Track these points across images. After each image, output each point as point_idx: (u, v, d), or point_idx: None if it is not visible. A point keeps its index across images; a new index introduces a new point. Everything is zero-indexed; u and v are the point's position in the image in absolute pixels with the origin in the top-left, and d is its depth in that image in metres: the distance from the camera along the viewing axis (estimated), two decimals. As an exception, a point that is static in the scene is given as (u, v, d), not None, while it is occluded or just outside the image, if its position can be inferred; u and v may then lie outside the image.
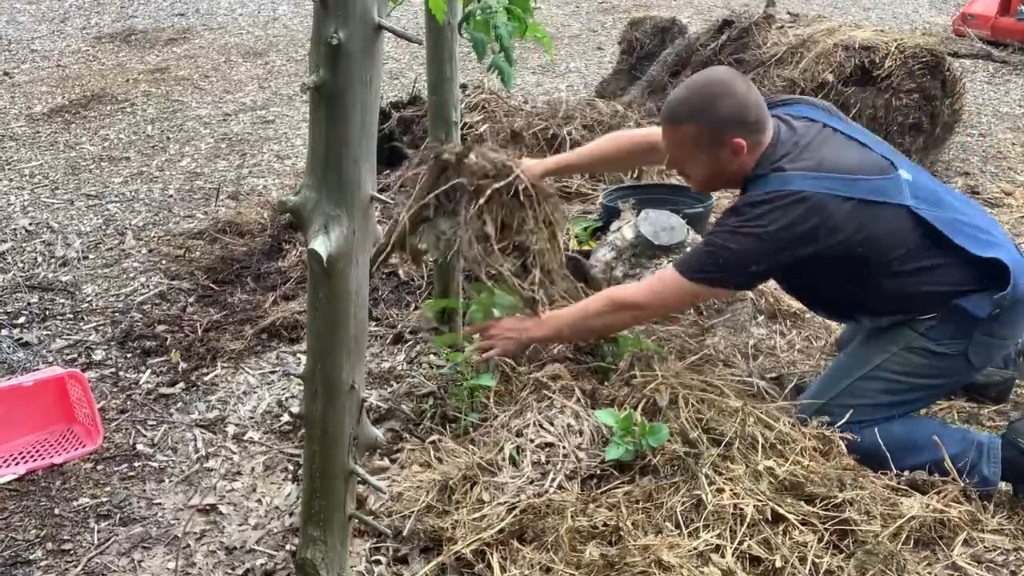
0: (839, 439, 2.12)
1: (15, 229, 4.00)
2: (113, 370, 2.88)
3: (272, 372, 2.83)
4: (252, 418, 2.60)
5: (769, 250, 2.09)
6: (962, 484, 2.07)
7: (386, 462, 2.26)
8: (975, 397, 2.53)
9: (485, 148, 2.32)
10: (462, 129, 3.62)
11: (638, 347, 2.38)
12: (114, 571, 2.04)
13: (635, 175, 3.84)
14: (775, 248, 2.08)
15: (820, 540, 1.86)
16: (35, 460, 2.44)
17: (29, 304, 3.33)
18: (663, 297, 2.23)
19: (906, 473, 2.11)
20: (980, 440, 2.17)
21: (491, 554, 1.87)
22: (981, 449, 2.15)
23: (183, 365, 2.88)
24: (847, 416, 2.18)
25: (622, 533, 1.87)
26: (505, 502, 1.98)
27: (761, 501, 1.91)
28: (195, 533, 2.14)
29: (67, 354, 2.99)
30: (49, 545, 2.13)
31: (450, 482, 2.07)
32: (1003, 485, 2.15)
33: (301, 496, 1.70)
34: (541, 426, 2.19)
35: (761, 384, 2.39)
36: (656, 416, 2.15)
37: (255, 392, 2.73)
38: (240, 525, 2.16)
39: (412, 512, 2.02)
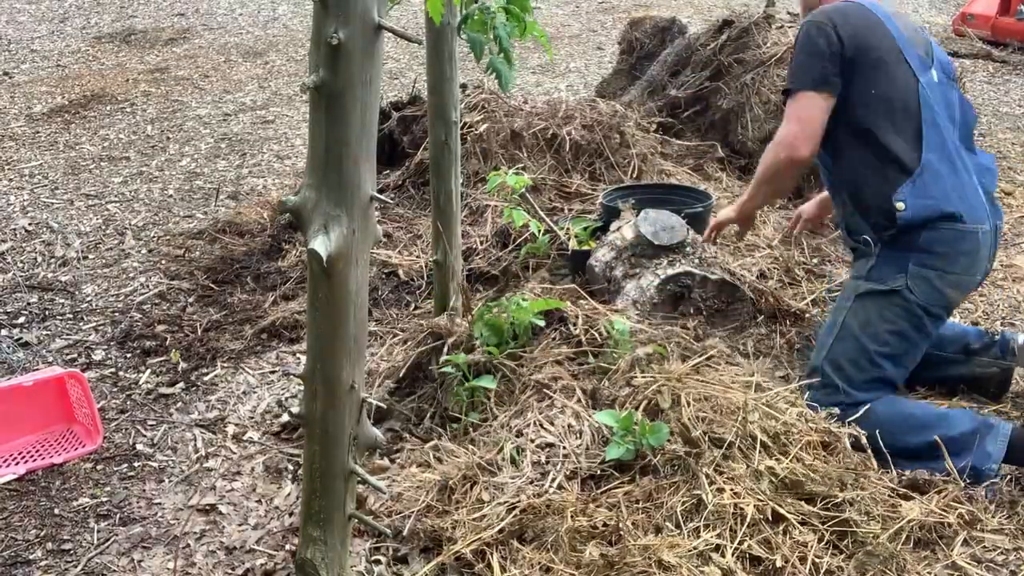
0: (844, 434, 2.12)
1: (15, 229, 4.00)
2: (113, 370, 2.88)
3: (272, 372, 2.83)
4: (252, 418, 2.60)
5: (824, 34, 2.32)
6: (962, 484, 2.08)
7: (386, 462, 2.26)
8: (976, 397, 2.53)
9: None
10: (462, 129, 3.63)
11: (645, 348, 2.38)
12: (114, 571, 2.04)
13: (635, 175, 3.85)
14: (827, 31, 2.32)
15: (820, 540, 1.86)
16: (35, 460, 2.44)
17: (29, 304, 3.33)
18: (799, 117, 2.35)
19: (907, 473, 2.11)
20: (990, 421, 2.23)
21: (491, 554, 1.88)
22: (990, 427, 2.21)
23: (183, 365, 2.88)
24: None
25: (622, 533, 1.87)
26: (505, 502, 1.98)
27: (761, 501, 1.91)
28: (195, 533, 2.14)
29: (67, 354, 2.99)
30: (49, 545, 2.13)
31: (450, 482, 2.07)
32: (1005, 488, 2.15)
33: (301, 496, 1.70)
34: (541, 426, 2.19)
35: (764, 379, 2.39)
36: (657, 416, 2.15)
37: (255, 392, 2.73)
38: (240, 525, 2.16)
39: (412, 512, 2.02)
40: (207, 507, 2.23)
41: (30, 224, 4.05)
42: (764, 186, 2.56)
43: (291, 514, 2.16)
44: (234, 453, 2.45)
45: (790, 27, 4.35)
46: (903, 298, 2.30)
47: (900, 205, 2.27)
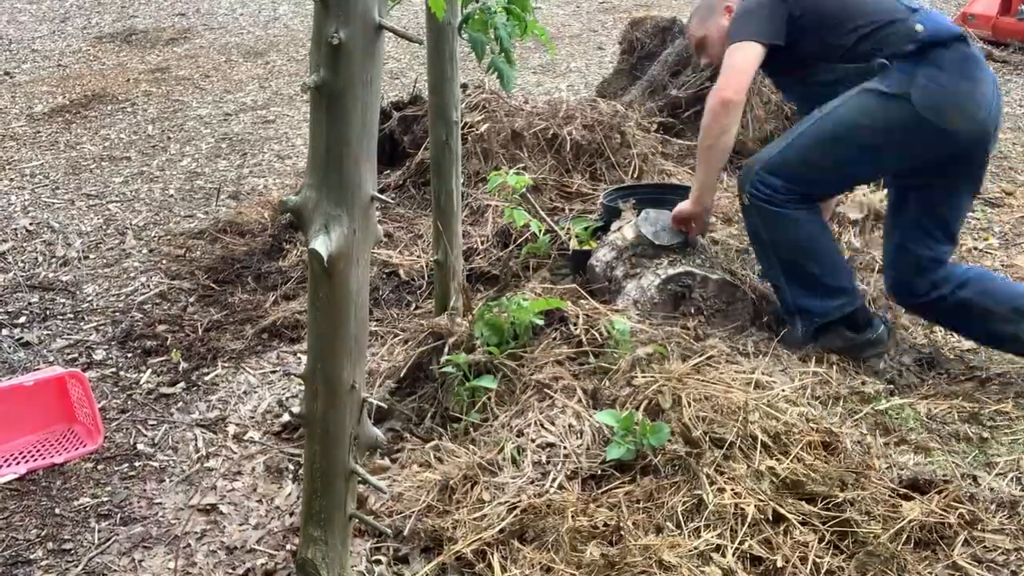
0: (845, 434, 2.12)
1: (16, 229, 4.00)
2: (114, 370, 2.88)
3: (273, 372, 2.83)
4: (253, 418, 2.60)
5: None
6: (963, 484, 2.07)
7: (387, 462, 2.26)
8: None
9: None
10: (463, 129, 3.63)
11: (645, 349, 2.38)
12: (115, 571, 2.04)
13: (635, 175, 3.85)
14: None
15: (821, 540, 1.86)
16: (36, 460, 2.44)
17: (30, 304, 3.33)
18: (734, 69, 2.55)
19: (906, 474, 2.11)
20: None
21: (492, 554, 1.87)
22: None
23: (184, 365, 2.88)
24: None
25: (623, 533, 1.87)
26: (506, 502, 1.98)
27: (762, 501, 1.91)
28: (195, 533, 2.14)
29: (68, 354, 2.99)
30: (50, 545, 2.13)
31: (451, 482, 2.07)
32: (1005, 488, 2.15)
33: (302, 496, 1.70)
34: (542, 426, 2.19)
35: (765, 378, 2.39)
36: (658, 416, 2.15)
37: (256, 392, 2.73)
38: (240, 525, 2.16)
39: (413, 512, 2.02)
40: (208, 507, 2.23)
41: (31, 224, 4.05)
42: (707, 144, 2.64)
43: (292, 514, 2.16)
44: (235, 453, 2.45)
45: (791, 27, 4.35)
46: (907, 102, 2.43)
47: (919, 27, 2.46)
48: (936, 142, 2.47)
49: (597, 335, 2.44)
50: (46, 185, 4.56)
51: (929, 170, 2.55)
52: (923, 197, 2.62)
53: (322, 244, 1.41)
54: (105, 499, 2.29)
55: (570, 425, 2.18)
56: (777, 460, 2.02)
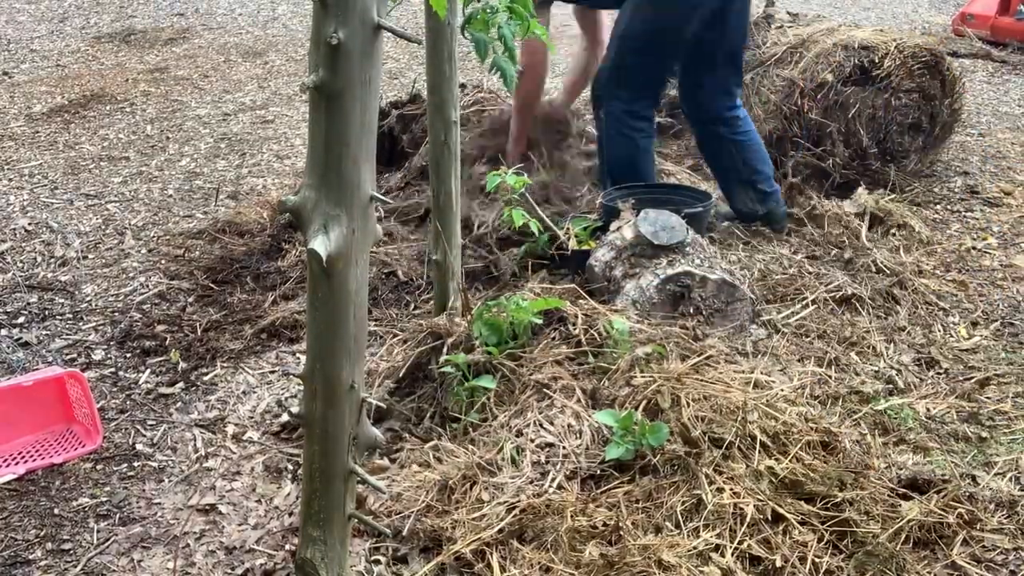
0: (844, 434, 2.12)
1: (14, 229, 4.00)
2: (112, 370, 2.88)
3: (272, 372, 2.83)
4: (252, 418, 2.60)
5: None
6: (962, 484, 2.08)
7: (386, 462, 2.26)
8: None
9: None
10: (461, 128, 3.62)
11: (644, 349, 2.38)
12: (114, 571, 2.04)
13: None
14: None
15: (820, 540, 1.86)
16: (35, 460, 2.44)
17: (28, 304, 3.33)
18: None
19: (905, 473, 2.12)
20: None
21: (491, 554, 1.88)
22: None
23: (182, 365, 2.88)
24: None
25: (622, 533, 1.87)
26: (505, 502, 1.98)
27: (761, 501, 1.91)
28: (194, 533, 2.14)
29: (66, 354, 2.99)
30: (49, 545, 2.13)
31: (450, 482, 2.07)
32: (1004, 488, 2.15)
33: (301, 496, 1.70)
34: (541, 426, 2.19)
35: (764, 378, 2.39)
36: (657, 416, 2.15)
37: (255, 392, 2.73)
38: (240, 525, 2.16)
39: (412, 512, 2.02)
40: (207, 507, 2.23)
41: (30, 224, 4.05)
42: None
43: (291, 514, 2.16)
44: (234, 453, 2.45)
45: (789, 27, 4.35)
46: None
47: None
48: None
49: (596, 335, 2.44)
50: (45, 185, 4.55)
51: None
52: None
53: (321, 244, 1.41)
54: (104, 499, 2.29)
55: (569, 425, 2.18)
56: (776, 460, 2.02)
